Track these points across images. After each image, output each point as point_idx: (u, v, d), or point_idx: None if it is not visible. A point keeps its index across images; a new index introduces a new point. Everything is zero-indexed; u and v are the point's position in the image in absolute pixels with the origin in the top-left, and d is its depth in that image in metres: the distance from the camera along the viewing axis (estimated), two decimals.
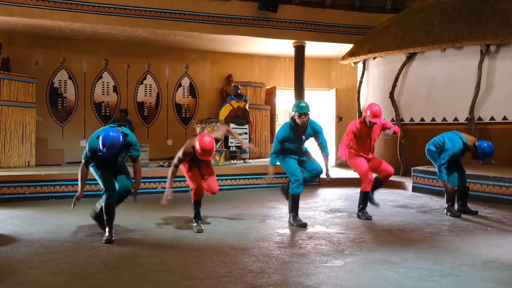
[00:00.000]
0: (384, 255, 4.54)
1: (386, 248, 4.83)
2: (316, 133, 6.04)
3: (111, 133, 4.96)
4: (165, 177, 8.65)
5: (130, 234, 5.47)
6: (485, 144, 6.40)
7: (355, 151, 6.57)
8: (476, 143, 6.47)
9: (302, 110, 5.83)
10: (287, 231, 5.68)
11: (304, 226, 5.86)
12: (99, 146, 4.99)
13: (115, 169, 5.38)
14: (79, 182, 5.27)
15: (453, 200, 6.71)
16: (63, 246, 4.86)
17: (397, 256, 4.49)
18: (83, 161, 5.27)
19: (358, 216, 6.46)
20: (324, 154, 6.16)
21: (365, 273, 4.02)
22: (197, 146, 5.43)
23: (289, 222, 6.05)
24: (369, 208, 6.58)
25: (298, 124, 5.90)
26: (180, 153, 5.71)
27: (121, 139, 5.03)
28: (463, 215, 6.57)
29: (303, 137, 5.99)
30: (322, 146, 6.11)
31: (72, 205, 5.20)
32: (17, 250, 4.72)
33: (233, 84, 10.83)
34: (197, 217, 5.77)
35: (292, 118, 5.96)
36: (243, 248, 4.83)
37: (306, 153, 6.21)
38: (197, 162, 5.84)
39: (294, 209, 6.01)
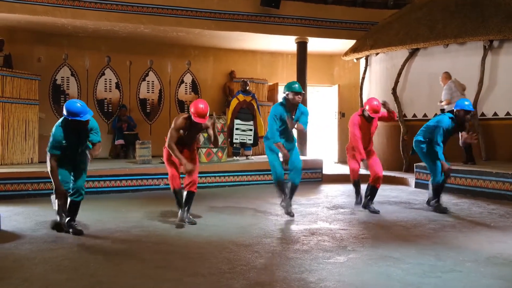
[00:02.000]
0: (387, 251, 4.54)
1: (389, 244, 4.82)
2: (302, 114, 6.24)
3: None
4: (168, 174, 8.70)
5: (133, 230, 5.47)
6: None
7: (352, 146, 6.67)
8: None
9: (297, 89, 6.07)
10: (290, 227, 5.68)
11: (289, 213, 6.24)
12: (71, 111, 4.96)
13: (74, 164, 5.31)
14: (53, 178, 5.13)
15: (439, 195, 6.69)
16: (66, 243, 4.87)
17: (400, 252, 4.48)
18: (49, 154, 5.14)
19: (367, 208, 6.63)
20: (302, 125, 6.20)
21: (368, 269, 4.02)
22: (192, 110, 5.54)
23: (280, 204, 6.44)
24: (378, 204, 6.64)
25: (290, 104, 6.08)
26: (172, 130, 5.65)
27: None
28: (468, 210, 6.58)
29: (293, 117, 6.15)
30: (303, 123, 6.20)
31: (55, 205, 5.23)
32: (21, 246, 4.73)
33: (242, 80, 10.77)
34: (179, 205, 5.79)
35: (285, 98, 6.12)
36: (246, 244, 4.83)
37: (293, 145, 6.37)
38: (182, 145, 5.76)
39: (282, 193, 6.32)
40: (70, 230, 5.27)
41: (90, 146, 5.39)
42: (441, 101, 8.95)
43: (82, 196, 5.34)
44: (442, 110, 8.81)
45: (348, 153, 6.86)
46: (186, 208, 5.78)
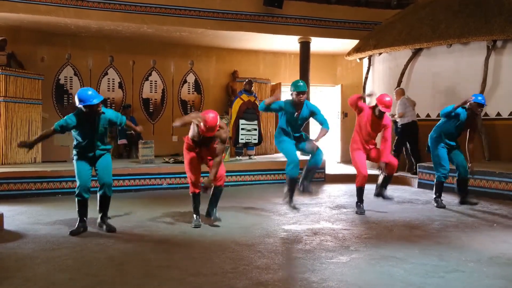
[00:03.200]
0: (389, 251, 4.54)
1: (391, 244, 4.82)
2: (314, 114, 6.36)
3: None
4: (170, 173, 8.73)
5: (136, 230, 5.48)
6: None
7: (358, 141, 6.63)
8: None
9: (299, 88, 6.16)
10: (292, 227, 5.68)
11: (295, 208, 6.33)
12: (81, 97, 5.11)
13: (94, 161, 5.43)
14: (36, 137, 5.43)
15: (441, 191, 7.08)
16: (69, 242, 4.88)
17: (403, 252, 4.48)
18: (52, 127, 5.25)
19: (380, 195, 6.75)
20: (323, 127, 6.32)
21: (370, 269, 4.02)
22: (201, 125, 5.30)
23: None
24: (381, 204, 6.68)
25: (295, 102, 6.21)
26: (186, 144, 5.72)
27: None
28: (471, 210, 6.59)
29: (299, 115, 6.25)
30: (322, 123, 6.34)
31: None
32: (24, 246, 4.75)
33: (248, 80, 10.76)
34: (195, 211, 5.74)
35: (291, 97, 6.27)
36: (249, 244, 4.83)
37: (305, 139, 6.46)
38: (199, 147, 5.68)
39: (290, 192, 6.31)
40: (104, 227, 5.42)
41: (110, 146, 5.69)
42: (393, 115, 9.54)
43: (111, 192, 5.55)
44: (395, 122, 9.57)
45: (352, 150, 6.71)
46: (214, 205, 5.81)
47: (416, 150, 9.61)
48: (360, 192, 6.59)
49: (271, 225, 5.79)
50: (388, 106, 6.38)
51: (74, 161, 5.43)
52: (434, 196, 7.10)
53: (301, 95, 6.15)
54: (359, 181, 6.54)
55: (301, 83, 6.23)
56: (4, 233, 5.28)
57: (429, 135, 7.19)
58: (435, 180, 7.14)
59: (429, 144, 7.16)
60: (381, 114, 6.48)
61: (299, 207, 6.44)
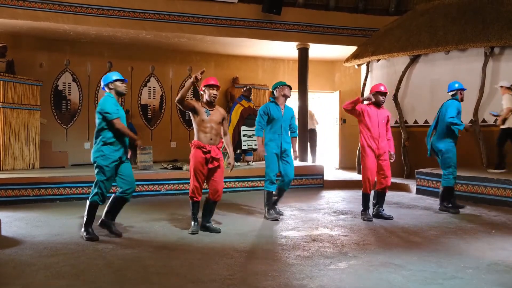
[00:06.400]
0: (388, 257, 4.54)
1: (390, 251, 4.82)
2: (292, 117, 6.79)
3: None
4: (169, 179, 8.72)
5: (134, 236, 5.47)
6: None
7: (366, 146, 6.46)
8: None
9: (284, 83, 6.71)
10: (290, 233, 5.67)
11: (276, 219, 6.44)
12: (114, 75, 5.37)
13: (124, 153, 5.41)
14: (126, 132, 5.34)
15: (449, 198, 7.07)
16: (67, 249, 4.87)
17: (401, 259, 4.48)
18: (114, 119, 5.22)
19: (380, 215, 6.62)
20: (292, 135, 6.80)
21: (369, 276, 4.01)
22: (206, 83, 5.67)
23: (264, 216, 6.59)
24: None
25: (281, 97, 6.65)
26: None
27: None
28: (470, 217, 6.58)
29: (284, 113, 6.63)
30: (294, 130, 6.82)
31: None
32: (22, 252, 4.73)
33: (248, 87, 10.78)
34: (193, 218, 5.71)
35: (272, 97, 6.74)
36: (247, 250, 4.83)
37: (286, 151, 6.65)
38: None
39: (267, 204, 6.58)
40: (113, 231, 5.42)
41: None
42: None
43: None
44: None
45: (363, 157, 6.53)
46: (209, 217, 5.78)
47: None
48: (366, 198, 6.54)
49: (270, 231, 5.78)
50: (385, 90, 6.57)
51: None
52: (446, 204, 7.03)
53: (287, 89, 6.65)
54: (367, 187, 6.46)
55: (282, 81, 6.85)
56: (2, 239, 5.26)
57: (441, 140, 7.04)
58: (446, 185, 7.00)
59: (448, 148, 6.97)
60: (381, 102, 6.52)
61: (278, 216, 6.60)
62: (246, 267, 4.24)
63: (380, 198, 6.64)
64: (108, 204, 5.45)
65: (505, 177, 7.63)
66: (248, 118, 10.37)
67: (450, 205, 7.03)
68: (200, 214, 5.75)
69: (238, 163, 10.35)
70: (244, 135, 10.28)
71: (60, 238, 5.30)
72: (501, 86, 8.49)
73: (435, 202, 7.87)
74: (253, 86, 12.31)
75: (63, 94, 11.35)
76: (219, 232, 5.63)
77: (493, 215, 6.78)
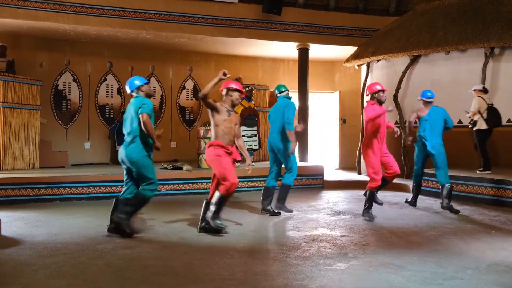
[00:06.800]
0: (388, 258, 4.53)
1: (390, 251, 4.82)
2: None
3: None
4: (169, 180, 8.72)
5: (134, 236, 5.47)
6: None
7: (374, 145, 6.50)
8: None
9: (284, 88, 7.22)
10: (291, 233, 5.67)
11: (275, 215, 6.73)
12: (139, 81, 5.63)
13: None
14: (151, 132, 5.39)
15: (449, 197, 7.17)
16: (67, 249, 4.87)
17: (401, 259, 4.48)
18: (145, 114, 5.34)
19: (363, 215, 6.59)
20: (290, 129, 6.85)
21: (369, 276, 4.01)
22: (233, 85, 6.00)
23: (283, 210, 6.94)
24: (380, 210, 6.73)
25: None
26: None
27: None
28: (470, 217, 6.59)
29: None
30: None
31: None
32: (22, 252, 4.73)
33: (250, 87, 10.78)
34: (219, 213, 5.55)
35: (287, 96, 7.09)
36: (247, 250, 4.83)
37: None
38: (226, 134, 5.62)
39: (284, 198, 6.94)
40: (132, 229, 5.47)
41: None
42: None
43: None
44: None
45: (364, 153, 6.61)
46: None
47: None
48: (372, 197, 6.59)
49: (270, 231, 5.79)
50: (381, 85, 6.67)
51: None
52: (450, 203, 7.09)
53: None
54: (372, 185, 6.50)
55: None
56: (2, 239, 5.26)
57: (438, 142, 7.20)
58: (448, 187, 7.10)
59: (443, 151, 7.16)
60: (384, 99, 6.61)
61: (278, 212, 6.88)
62: (246, 267, 4.24)
63: (383, 184, 6.74)
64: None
65: (505, 177, 7.62)
66: (248, 118, 10.37)
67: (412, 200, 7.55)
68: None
69: (239, 164, 10.34)
70: (244, 135, 10.28)
71: (60, 238, 5.30)
72: (474, 90, 8.58)
73: (435, 202, 7.88)
74: (254, 86, 12.31)
75: (63, 94, 11.34)
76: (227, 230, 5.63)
77: (493, 216, 6.77)
